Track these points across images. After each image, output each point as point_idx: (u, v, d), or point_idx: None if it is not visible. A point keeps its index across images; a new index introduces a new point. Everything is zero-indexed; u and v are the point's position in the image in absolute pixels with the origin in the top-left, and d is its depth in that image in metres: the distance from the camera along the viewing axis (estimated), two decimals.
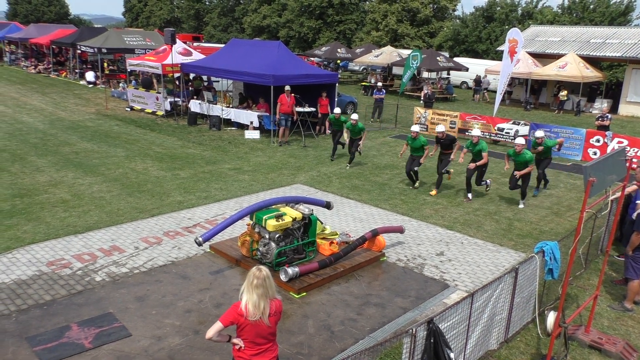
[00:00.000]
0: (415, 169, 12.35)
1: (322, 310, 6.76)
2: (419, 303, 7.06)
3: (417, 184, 12.55)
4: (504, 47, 19.46)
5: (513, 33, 19.04)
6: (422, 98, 26.49)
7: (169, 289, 7.09)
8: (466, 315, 5.21)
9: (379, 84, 24.63)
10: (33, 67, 35.79)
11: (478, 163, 11.43)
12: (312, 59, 40.47)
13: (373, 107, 22.70)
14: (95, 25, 58.48)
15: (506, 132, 18.32)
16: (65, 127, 17.70)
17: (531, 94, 30.42)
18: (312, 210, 8.13)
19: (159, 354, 5.66)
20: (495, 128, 18.56)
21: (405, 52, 34.38)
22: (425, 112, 20.42)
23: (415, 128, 12.36)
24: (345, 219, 10.16)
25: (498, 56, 36.75)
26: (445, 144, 12.07)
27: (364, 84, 34.71)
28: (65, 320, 6.14)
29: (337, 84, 18.83)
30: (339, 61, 43.74)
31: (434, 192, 12.04)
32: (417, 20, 52.20)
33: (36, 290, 6.83)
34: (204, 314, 6.50)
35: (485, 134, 18.63)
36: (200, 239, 7.44)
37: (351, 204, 11.15)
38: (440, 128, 12.05)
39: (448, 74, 36.97)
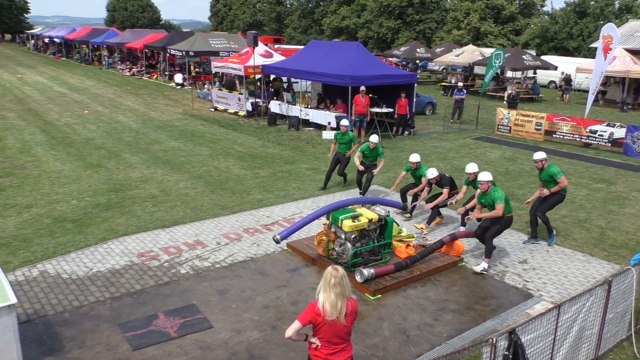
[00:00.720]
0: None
1: (397, 313, 6.69)
2: (499, 312, 6.79)
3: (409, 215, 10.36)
4: (598, 44, 18.25)
5: (608, 29, 17.81)
6: (505, 98, 25.46)
7: (248, 284, 7.32)
8: (552, 328, 4.94)
9: (460, 84, 23.96)
10: (128, 70, 38.29)
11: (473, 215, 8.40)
12: (390, 59, 40.13)
13: (453, 107, 22.13)
14: (184, 30, 61.54)
15: (599, 135, 17.16)
16: (156, 126, 18.77)
17: (630, 94, 28.26)
18: (389, 212, 8.07)
19: (238, 347, 5.86)
20: (587, 130, 17.44)
21: (488, 51, 33.17)
22: (509, 113, 19.59)
23: (414, 158, 9.82)
24: (421, 222, 9.97)
25: (591, 54, 34.54)
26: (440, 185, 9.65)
27: (443, 84, 33.91)
28: (153, 309, 6.51)
29: (415, 84, 18.55)
30: (418, 61, 43.03)
31: (423, 226, 9.55)
32: (501, 17, 50.25)
33: (128, 279, 7.30)
34: (281, 311, 6.64)
35: (575, 136, 17.58)
36: (278, 236, 7.60)
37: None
38: (430, 171, 9.57)
39: (534, 73, 35.23)
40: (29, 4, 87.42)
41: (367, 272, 7.19)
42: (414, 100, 18.76)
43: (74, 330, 6.02)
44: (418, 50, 40.13)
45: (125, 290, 6.98)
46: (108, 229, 9.06)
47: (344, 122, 11.59)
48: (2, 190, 10.90)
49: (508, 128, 19.40)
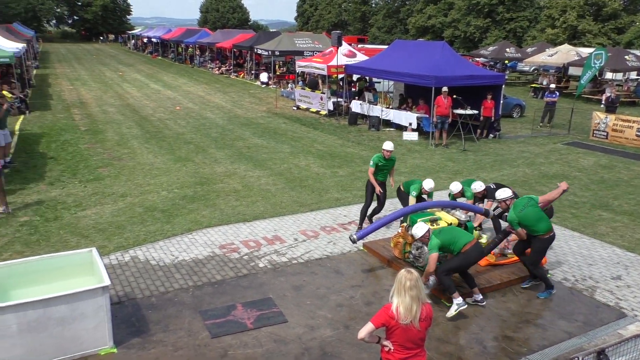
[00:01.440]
0: None
1: (474, 322, 6.48)
2: (587, 329, 6.36)
3: None
4: None
5: None
6: (603, 102, 23.73)
7: (323, 281, 7.40)
8: None
9: (552, 85, 22.66)
10: (217, 68, 39.97)
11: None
12: (477, 59, 38.80)
13: (543, 110, 20.97)
14: (271, 30, 63.23)
15: None
16: (241, 123, 19.45)
17: None
18: (470, 217, 7.82)
19: (311, 343, 5.94)
20: None
21: (585, 51, 31.11)
22: (607, 117, 18.27)
23: (428, 184, 8.78)
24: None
25: None
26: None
27: (533, 85, 32.24)
28: (232, 300, 6.76)
29: (503, 86, 17.80)
30: (506, 61, 41.24)
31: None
32: (602, 14, 46.92)
33: (209, 269, 7.63)
34: (355, 310, 6.65)
35: None
36: (355, 236, 7.62)
37: None
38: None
39: (638, 74, 32.58)
40: (131, 7, 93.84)
41: (432, 281, 6.86)
42: (501, 102, 18.01)
43: (159, 314, 6.39)
44: (507, 50, 38.48)
45: (206, 280, 7.31)
46: (193, 220, 9.52)
47: (388, 145, 9.06)
48: (101, 180, 11.78)
49: (605, 134, 18.10)
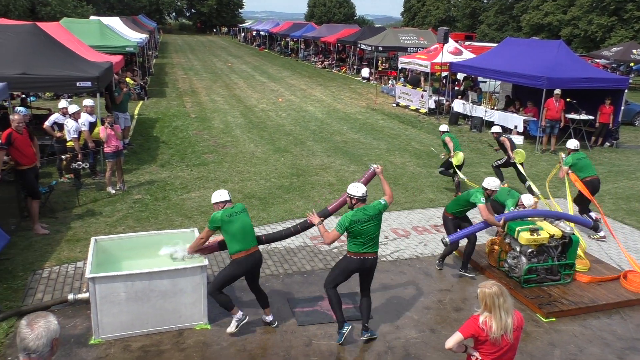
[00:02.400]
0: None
1: (573, 342, 6.05)
2: None
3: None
4: None
5: None
6: None
7: (411, 282, 7.30)
8: None
9: None
10: (320, 62, 40.64)
11: None
12: (597, 60, 35.86)
13: None
14: (376, 25, 63.00)
15: None
16: (339, 117, 19.65)
17: None
18: (573, 230, 7.31)
19: (395, 342, 5.90)
20: None
21: None
22: None
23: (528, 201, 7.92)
24: (616, 247, 8.80)
25: None
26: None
27: None
28: (319, 291, 6.87)
29: (625, 91, 16.31)
30: (632, 64, 37.70)
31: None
32: None
33: (300, 259, 7.83)
34: (442, 315, 6.49)
35: None
36: (447, 239, 7.42)
37: (626, 230, 9.60)
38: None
39: None
40: (243, 1, 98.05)
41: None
42: (622, 108, 16.52)
43: (251, 297, 6.65)
44: (634, 51, 35.11)
45: (296, 269, 7.50)
46: (287, 209, 9.80)
47: (494, 184, 7.28)
48: (206, 165, 12.50)
49: None
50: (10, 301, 6.29)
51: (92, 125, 10.64)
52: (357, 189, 5.78)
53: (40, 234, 8.21)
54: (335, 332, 5.98)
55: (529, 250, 7.12)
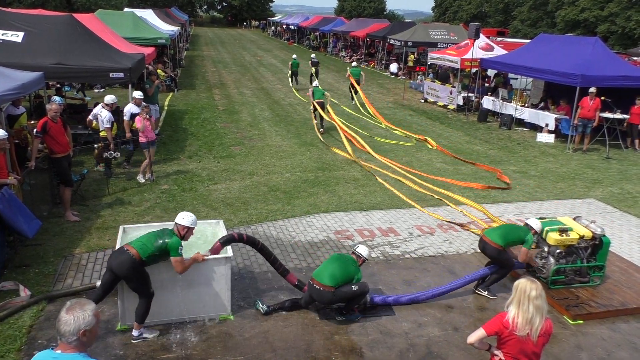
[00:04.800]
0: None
1: (600, 345, 5.92)
2: None
3: None
4: None
5: None
6: None
7: (435, 279, 7.23)
8: None
9: None
10: (349, 57, 40.47)
11: None
12: (635, 58, 34.74)
13: None
14: (406, 20, 62.38)
15: None
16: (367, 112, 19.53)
17: None
18: (604, 231, 7.12)
19: (418, 340, 5.86)
20: None
21: None
22: None
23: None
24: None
25: None
26: None
27: None
28: None
29: None
30: None
31: None
32: None
33: (323, 253, 7.84)
34: (466, 314, 6.42)
35: None
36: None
37: None
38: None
39: None
40: None
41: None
42: None
43: (274, 289, 6.72)
44: None
45: (320, 263, 7.50)
46: (312, 203, 9.82)
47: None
48: (233, 157, 12.61)
49: None
50: (42, 286, 6.49)
51: (133, 116, 10.90)
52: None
53: (72, 220, 8.42)
54: (357, 327, 5.99)
55: (558, 250, 6.98)
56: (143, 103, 10.99)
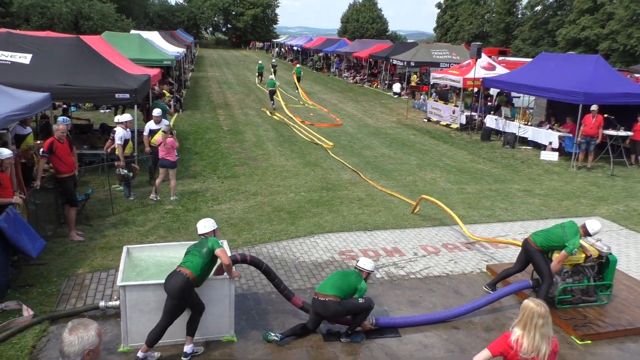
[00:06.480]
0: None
1: None
2: None
3: None
4: None
5: None
6: None
7: (440, 300, 7.17)
8: None
9: None
10: (351, 77, 40.79)
11: None
12: (637, 75, 34.88)
13: None
14: (409, 41, 62.93)
15: None
16: (370, 132, 19.62)
17: None
18: (611, 248, 7.07)
19: None
20: None
21: None
22: None
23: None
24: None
25: None
26: None
27: None
28: None
29: None
30: None
31: None
32: None
33: (328, 273, 7.76)
34: (472, 335, 6.35)
35: None
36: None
37: None
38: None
39: None
40: (278, 16, 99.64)
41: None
42: None
43: (278, 311, 6.66)
44: None
45: None
46: (316, 224, 9.80)
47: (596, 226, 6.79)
48: (237, 177, 12.64)
49: None
50: (45, 306, 6.46)
51: (152, 133, 11.31)
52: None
53: (76, 240, 8.43)
54: (361, 349, 5.92)
55: (564, 270, 6.92)
56: (164, 121, 11.37)
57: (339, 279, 6.05)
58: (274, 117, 21.73)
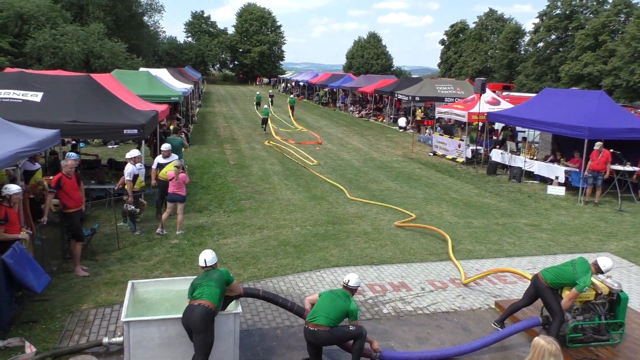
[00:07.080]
0: None
1: None
2: None
3: None
4: None
5: None
6: None
7: (448, 337, 7.04)
8: None
9: None
10: (357, 112, 41.21)
11: None
12: None
13: None
14: (413, 76, 63.82)
15: None
16: (376, 166, 19.69)
17: None
18: (622, 285, 6.96)
19: None
20: None
21: None
22: None
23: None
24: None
25: None
26: None
27: None
28: None
29: None
30: None
31: None
32: None
33: None
34: None
35: None
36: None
37: None
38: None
39: None
40: (284, 53, 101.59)
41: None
42: None
43: (283, 347, 6.56)
44: None
45: None
46: (322, 258, 9.73)
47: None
48: (243, 211, 12.65)
49: None
50: (47, 342, 6.40)
51: (160, 166, 11.54)
52: None
53: (81, 275, 8.40)
54: None
55: (574, 307, 6.80)
56: (174, 155, 11.60)
57: (328, 305, 5.91)
58: (269, 144, 23.61)
